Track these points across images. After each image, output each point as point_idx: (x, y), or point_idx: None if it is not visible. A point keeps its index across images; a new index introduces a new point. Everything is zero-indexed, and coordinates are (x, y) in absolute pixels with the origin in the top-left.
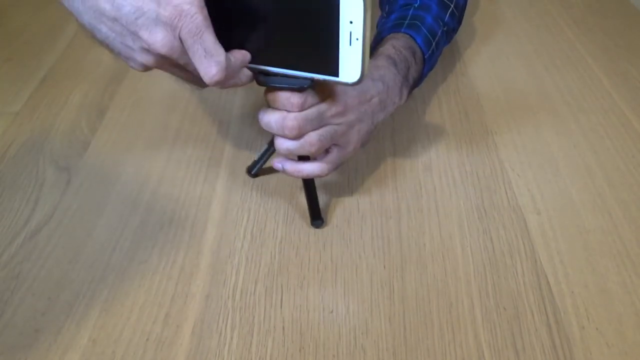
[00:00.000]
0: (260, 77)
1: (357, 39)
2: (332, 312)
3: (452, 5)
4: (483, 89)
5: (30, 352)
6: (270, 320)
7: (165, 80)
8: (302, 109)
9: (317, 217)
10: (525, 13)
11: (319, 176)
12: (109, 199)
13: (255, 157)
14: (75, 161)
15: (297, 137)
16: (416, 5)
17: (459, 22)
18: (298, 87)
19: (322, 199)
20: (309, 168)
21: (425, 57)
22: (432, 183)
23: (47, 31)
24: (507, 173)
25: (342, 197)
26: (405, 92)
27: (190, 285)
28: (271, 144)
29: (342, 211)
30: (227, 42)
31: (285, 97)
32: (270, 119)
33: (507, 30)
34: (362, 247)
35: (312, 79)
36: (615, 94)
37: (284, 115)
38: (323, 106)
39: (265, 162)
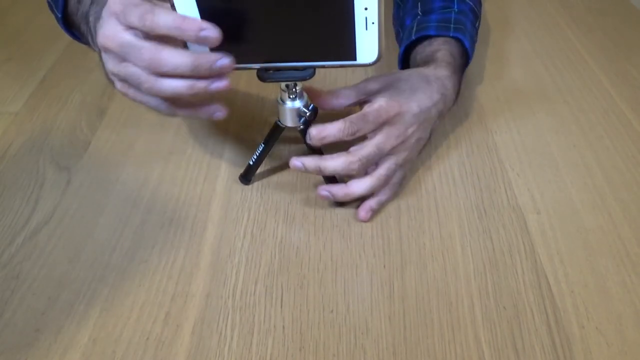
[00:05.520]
0: (261, 73)
1: (372, 23)
2: (332, 311)
3: (479, 14)
4: (483, 89)
5: (31, 351)
6: (271, 320)
7: None
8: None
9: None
10: (525, 13)
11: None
12: (109, 199)
13: (250, 161)
14: (75, 161)
15: (360, 174)
16: (456, 10)
17: None
18: (302, 78)
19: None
20: (384, 197)
21: (470, 61)
22: (432, 183)
23: (47, 31)
24: (507, 173)
25: None
26: (457, 95)
27: (191, 284)
28: (265, 143)
29: (342, 211)
30: (239, 40)
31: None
32: (335, 165)
33: (507, 30)
34: (362, 246)
35: (315, 69)
36: (615, 93)
37: (348, 160)
38: (379, 140)
39: (259, 166)
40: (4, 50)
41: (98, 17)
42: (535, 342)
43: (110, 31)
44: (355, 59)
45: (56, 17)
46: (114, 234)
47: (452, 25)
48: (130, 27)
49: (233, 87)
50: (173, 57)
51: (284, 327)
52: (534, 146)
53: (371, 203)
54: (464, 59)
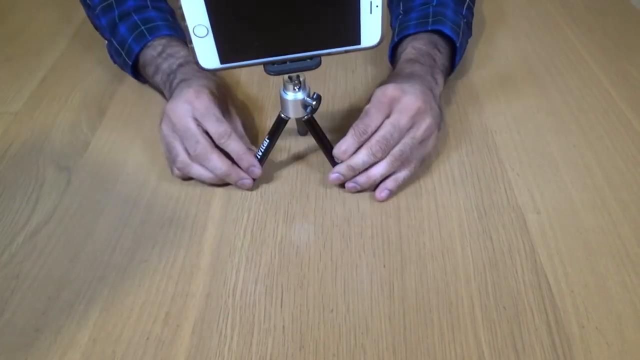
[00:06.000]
0: (269, 68)
1: (376, 6)
2: (332, 311)
3: (467, 0)
4: (483, 89)
5: (31, 351)
6: (271, 320)
7: None
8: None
9: None
10: (525, 13)
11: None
12: (109, 198)
13: (257, 155)
14: (75, 161)
15: (385, 155)
16: (434, 3)
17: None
18: (309, 67)
19: (321, 197)
20: (402, 175)
21: (457, 45)
22: (432, 183)
23: (47, 31)
24: (506, 173)
25: (342, 196)
26: (438, 77)
27: (191, 284)
28: (270, 137)
29: (342, 210)
30: (247, 37)
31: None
32: (361, 157)
33: (507, 30)
34: (362, 246)
35: (321, 58)
36: (615, 93)
37: (368, 146)
38: (394, 118)
39: (264, 161)
40: (4, 50)
41: (185, 79)
42: (535, 342)
43: (181, 111)
44: (359, 43)
45: (121, 62)
46: (114, 233)
47: (430, 20)
48: (198, 122)
49: (233, 85)
50: (216, 162)
51: (284, 327)
52: (534, 146)
53: (387, 182)
54: (448, 44)
